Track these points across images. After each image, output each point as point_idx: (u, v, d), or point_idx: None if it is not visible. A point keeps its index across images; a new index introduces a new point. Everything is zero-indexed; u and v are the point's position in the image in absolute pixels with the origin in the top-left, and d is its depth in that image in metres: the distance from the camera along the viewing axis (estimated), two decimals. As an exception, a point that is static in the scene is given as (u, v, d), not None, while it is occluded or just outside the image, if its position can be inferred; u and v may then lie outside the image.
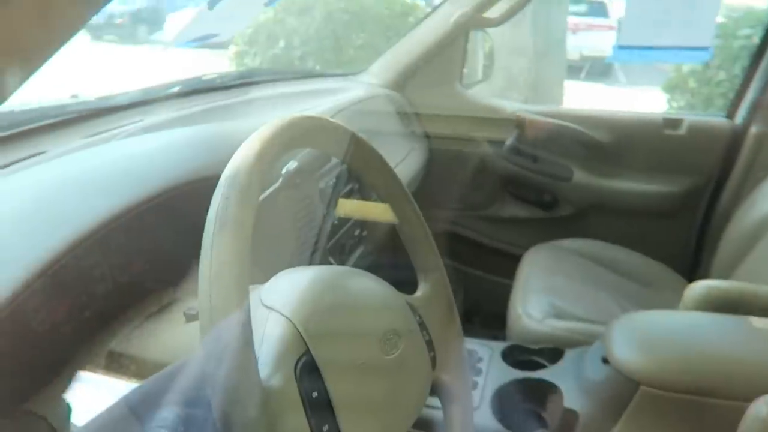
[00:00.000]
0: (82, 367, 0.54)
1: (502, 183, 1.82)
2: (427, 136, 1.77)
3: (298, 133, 0.54)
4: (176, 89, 1.17)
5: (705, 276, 1.45)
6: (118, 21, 8.89)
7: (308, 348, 0.48)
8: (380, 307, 0.57)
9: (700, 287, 1.02)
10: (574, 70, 6.69)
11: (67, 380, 0.54)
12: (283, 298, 0.52)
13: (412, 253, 0.69)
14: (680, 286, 1.48)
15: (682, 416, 0.83)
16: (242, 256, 0.42)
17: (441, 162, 1.78)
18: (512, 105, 1.82)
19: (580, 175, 1.73)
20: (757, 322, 0.90)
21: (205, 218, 0.43)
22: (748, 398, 0.75)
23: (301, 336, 0.48)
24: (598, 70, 7.59)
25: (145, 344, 0.56)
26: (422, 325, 0.62)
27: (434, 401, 0.74)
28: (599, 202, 1.73)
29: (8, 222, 0.55)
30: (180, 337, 0.54)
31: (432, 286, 0.68)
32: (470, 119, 1.78)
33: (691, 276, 1.58)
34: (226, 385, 0.39)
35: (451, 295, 0.70)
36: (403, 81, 1.72)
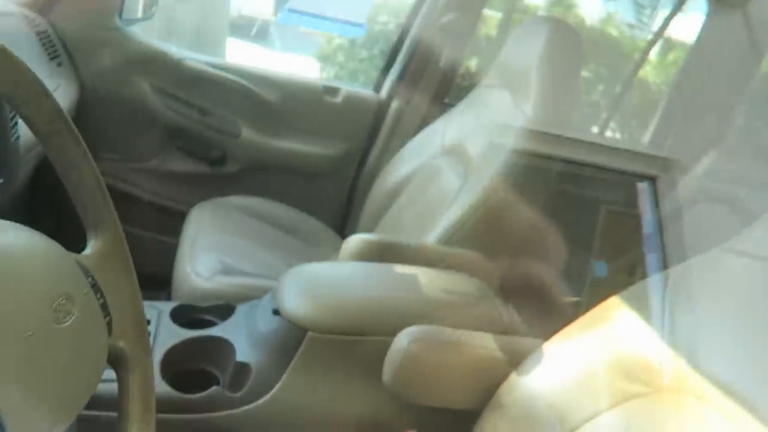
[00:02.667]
0: None
1: (168, 134, 1.71)
2: (78, 73, 1.52)
3: None
4: None
5: (354, 230, 1.64)
6: None
7: None
8: (48, 268, 0.47)
9: (354, 241, 1.16)
10: (235, 28, 6.67)
11: None
12: None
13: (81, 204, 0.58)
14: (334, 239, 1.65)
15: (342, 356, 0.92)
16: None
17: (94, 104, 1.56)
18: (180, 51, 1.70)
19: (248, 132, 1.74)
20: (399, 268, 1.07)
21: None
22: (393, 333, 0.89)
23: None
24: (258, 32, 7.72)
25: None
26: (95, 287, 0.54)
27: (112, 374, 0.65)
28: (265, 160, 1.77)
29: None
30: None
31: (105, 243, 0.59)
32: (133, 59, 1.60)
33: (342, 230, 1.77)
34: None
35: (127, 251, 0.62)
36: (50, 2, 1.44)
